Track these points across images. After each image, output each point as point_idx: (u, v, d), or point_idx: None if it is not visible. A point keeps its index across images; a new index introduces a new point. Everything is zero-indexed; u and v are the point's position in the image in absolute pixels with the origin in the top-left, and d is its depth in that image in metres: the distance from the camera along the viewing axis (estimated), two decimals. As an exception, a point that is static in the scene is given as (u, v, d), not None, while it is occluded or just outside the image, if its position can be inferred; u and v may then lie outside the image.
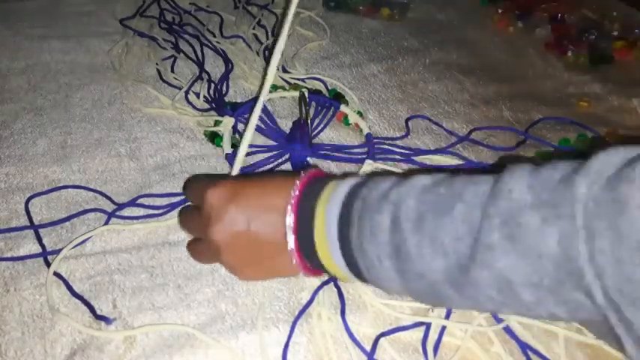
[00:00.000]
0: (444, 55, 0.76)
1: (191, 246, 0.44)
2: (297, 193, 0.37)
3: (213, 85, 0.66)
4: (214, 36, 0.75)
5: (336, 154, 0.58)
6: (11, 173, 0.53)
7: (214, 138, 0.57)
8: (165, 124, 0.60)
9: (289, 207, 0.37)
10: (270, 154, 0.57)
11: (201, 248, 0.43)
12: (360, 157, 0.57)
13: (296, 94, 0.64)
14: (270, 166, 0.56)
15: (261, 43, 0.74)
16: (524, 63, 0.76)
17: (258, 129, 0.60)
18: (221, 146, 0.57)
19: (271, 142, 0.59)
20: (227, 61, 0.70)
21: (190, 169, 0.55)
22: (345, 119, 0.62)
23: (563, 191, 0.27)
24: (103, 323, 0.41)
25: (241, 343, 0.41)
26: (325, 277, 0.45)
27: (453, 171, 0.49)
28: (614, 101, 0.68)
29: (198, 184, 0.42)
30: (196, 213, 0.41)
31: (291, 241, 0.37)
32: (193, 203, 0.44)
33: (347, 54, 0.74)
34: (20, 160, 0.54)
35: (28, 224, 0.48)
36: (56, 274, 0.44)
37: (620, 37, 0.79)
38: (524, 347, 0.41)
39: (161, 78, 0.66)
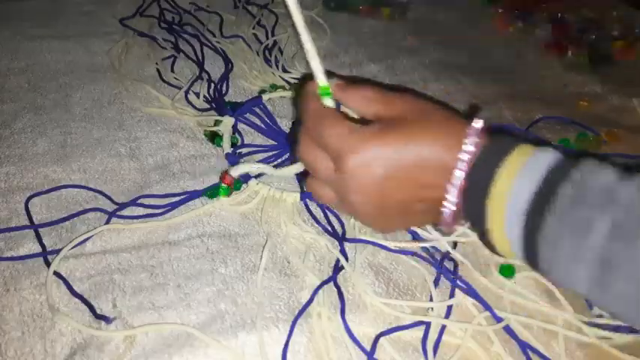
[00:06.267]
0: (444, 55, 0.76)
1: (312, 186, 0.38)
2: (470, 150, 0.32)
3: (213, 85, 0.66)
4: (214, 36, 0.75)
5: None
6: (11, 173, 0.53)
7: (214, 138, 0.57)
8: (165, 123, 0.60)
9: (459, 170, 0.32)
10: (270, 153, 0.57)
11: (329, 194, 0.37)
12: None
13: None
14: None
15: (261, 43, 0.74)
16: (524, 63, 0.76)
17: (257, 129, 0.60)
18: (221, 146, 0.57)
19: (271, 142, 0.59)
20: (227, 61, 0.70)
21: (190, 168, 0.55)
22: None
23: None
24: (102, 323, 0.41)
25: (241, 343, 0.41)
26: (327, 276, 0.45)
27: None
28: (614, 101, 0.68)
29: (347, 130, 0.35)
30: (328, 165, 0.36)
31: (451, 204, 0.33)
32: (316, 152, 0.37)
33: (347, 54, 0.74)
34: (20, 159, 0.54)
35: (28, 224, 0.48)
36: (56, 273, 0.44)
37: (620, 37, 0.79)
38: (524, 346, 0.41)
39: (161, 78, 0.66)
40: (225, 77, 0.67)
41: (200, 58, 0.70)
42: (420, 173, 0.33)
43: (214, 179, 0.53)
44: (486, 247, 0.35)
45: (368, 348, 0.41)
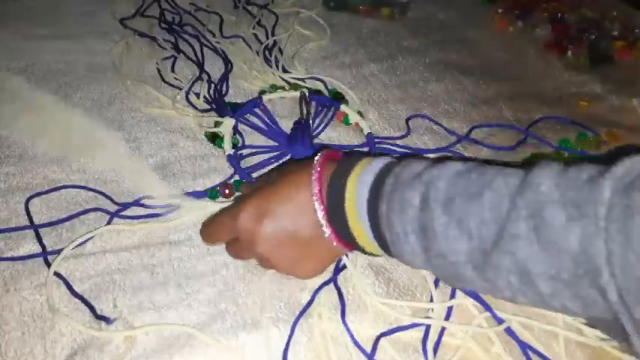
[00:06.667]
0: (444, 55, 0.76)
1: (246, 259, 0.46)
2: (317, 187, 0.39)
3: (212, 86, 0.66)
4: (214, 36, 0.75)
5: None
6: (11, 173, 0.53)
7: (215, 139, 0.57)
8: (165, 124, 0.60)
9: (315, 199, 0.39)
10: (272, 154, 0.57)
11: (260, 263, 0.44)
12: None
13: (296, 94, 0.64)
14: (272, 166, 0.56)
15: (261, 43, 0.74)
16: (524, 63, 0.76)
17: (259, 130, 0.60)
18: (222, 147, 0.57)
19: (272, 143, 0.59)
20: (226, 62, 0.70)
21: (190, 168, 0.55)
22: (345, 119, 0.62)
23: (589, 192, 0.29)
24: (103, 323, 0.41)
25: (241, 343, 0.41)
26: (327, 277, 0.45)
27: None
28: (614, 101, 0.68)
29: (221, 221, 0.44)
30: (237, 242, 0.43)
31: (325, 228, 0.39)
32: (227, 237, 0.45)
33: (347, 54, 0.74)
34: (20, 159, 0.54)
35: (28, 224, 0.48)
36: (56, 274, 0.44)
37: (620, 37, 0.79)
38: (525, 347, 0.41)
39: (162, 78, 0.66)
40: (225, 78, 0.67)
41: (200, 58, 0.70)
42: (292, 201, 0.40)
43: (214, 179, 0.53)
44: (364, 253, 0.41)
45: (368, 349, 0.41)
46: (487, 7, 0.88)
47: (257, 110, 0.63)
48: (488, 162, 0.37)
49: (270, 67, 0.70)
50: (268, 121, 0.61)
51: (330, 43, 0.76)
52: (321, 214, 0.39)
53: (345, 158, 0.41)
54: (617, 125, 0.63)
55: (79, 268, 0.45)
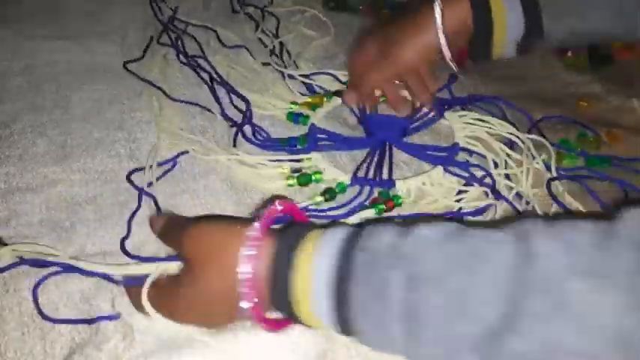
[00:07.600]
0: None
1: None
2: (251, 243, 0.35)
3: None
4: (222, 44, 0.73)
5: None
6: (11, 173, 0.53)
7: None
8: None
9: (243, 256, 0.35)
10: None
11: None
12: None
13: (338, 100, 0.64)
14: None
15: (266, 46, 0.73)
16: (524, 63, 0.76)
17: (339, 148, 0.58)
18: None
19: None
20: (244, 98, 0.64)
21: (190, 169, 0.55)
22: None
23: (604, 259, 0.27)
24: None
25: (241, 343, 0.40)
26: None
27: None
28: (614, 101, 0.68)
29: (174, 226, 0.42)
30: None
31: (245, 291, 0.35)
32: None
33: (347, 54, 0.74)
34: (20, 160, 0.54)
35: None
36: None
37: (620, 37, 0.79)
38: None
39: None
40: (249, 121, 0.61)
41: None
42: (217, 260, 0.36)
43: (214, 179, 0.53)
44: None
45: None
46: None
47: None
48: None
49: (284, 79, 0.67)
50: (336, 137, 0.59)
51: (330, 43, 0.76)
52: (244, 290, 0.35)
53: (286, 232, 0.36)
54: (617, 125, 0.63)
55: (79, 268, 0.45)
